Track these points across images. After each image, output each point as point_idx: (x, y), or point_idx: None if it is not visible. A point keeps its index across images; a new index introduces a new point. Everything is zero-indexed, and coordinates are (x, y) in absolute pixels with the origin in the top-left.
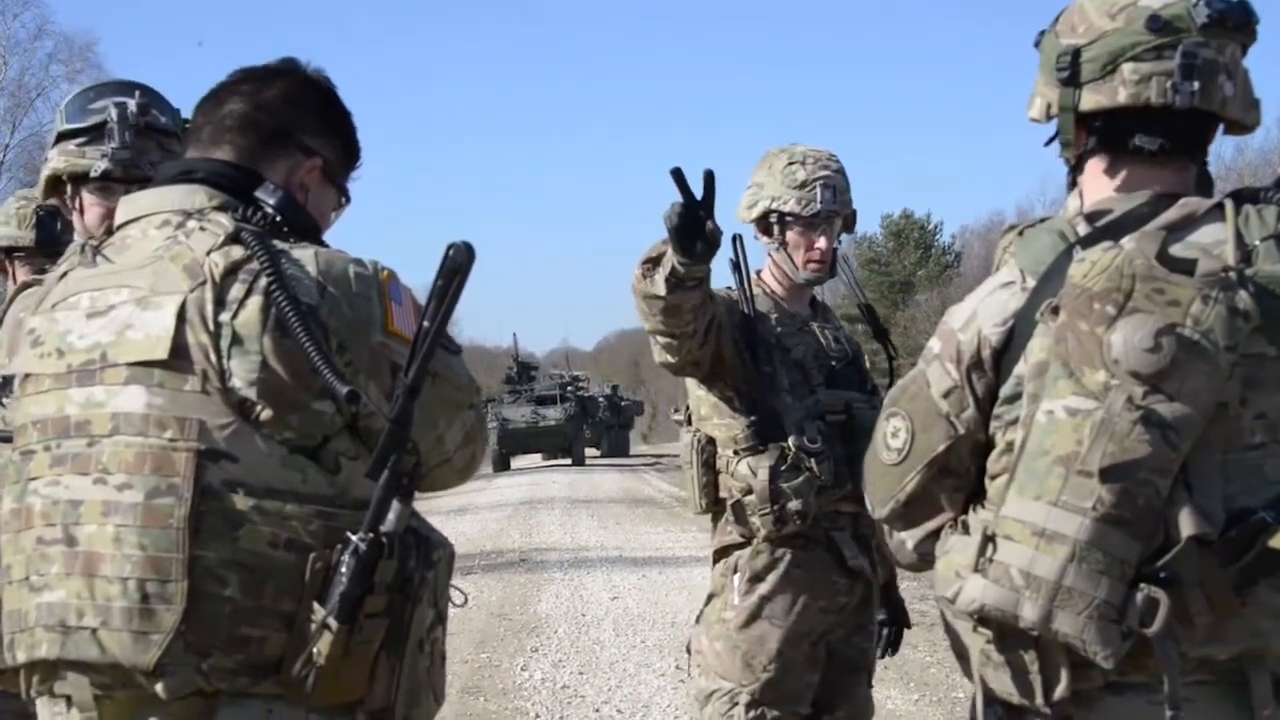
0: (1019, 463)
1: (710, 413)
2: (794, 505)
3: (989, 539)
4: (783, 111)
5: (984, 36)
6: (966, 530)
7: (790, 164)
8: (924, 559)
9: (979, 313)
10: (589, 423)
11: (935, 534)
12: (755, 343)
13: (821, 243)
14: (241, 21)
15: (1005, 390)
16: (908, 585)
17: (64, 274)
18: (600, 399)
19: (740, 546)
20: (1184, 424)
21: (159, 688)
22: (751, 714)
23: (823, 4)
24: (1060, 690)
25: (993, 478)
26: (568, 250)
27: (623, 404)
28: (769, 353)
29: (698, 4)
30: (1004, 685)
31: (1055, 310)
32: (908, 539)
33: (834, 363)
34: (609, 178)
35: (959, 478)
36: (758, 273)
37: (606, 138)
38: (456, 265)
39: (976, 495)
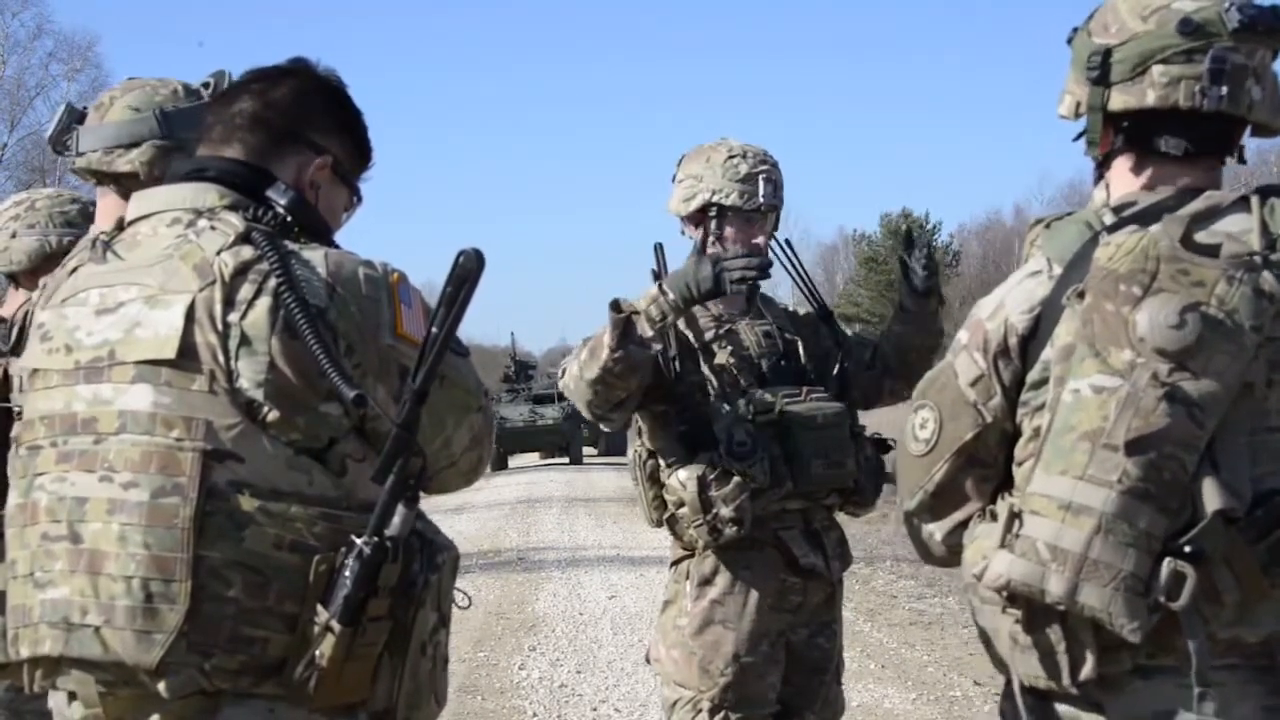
0: (1045, 441)
1: (650, 426)
2: (726, 512)
3: (1015, 515)
4: (782, 109)
5: (983, 35)
6: (995, 519)
7: (731, 157)
8: (952, 551)
9: (1006, 302)
10: (586, 421)
11: (963, 526)
12: (681, 356)
13: (759, 238)
14: (242, 22)
15: (1032, 376)
16: (904, 584)
17: (74, 269)
18: None
19: (691, 556)
20: (1209, 401)
21: (161, 687)
22: (716, 719)
23: (823, 2)
24: (1087, 670)
25: (1019, 464)
26: (565, 248)
27: None
28: (695, 360)
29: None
30: (1031, 668)
31: (1081, 294)
32: (936, 531)
33: (763, 361)
34: (608, 175)
35: (987, 467)
36: None
37: (605, 134)
38: (466, 272)
39: (1004, 485)
